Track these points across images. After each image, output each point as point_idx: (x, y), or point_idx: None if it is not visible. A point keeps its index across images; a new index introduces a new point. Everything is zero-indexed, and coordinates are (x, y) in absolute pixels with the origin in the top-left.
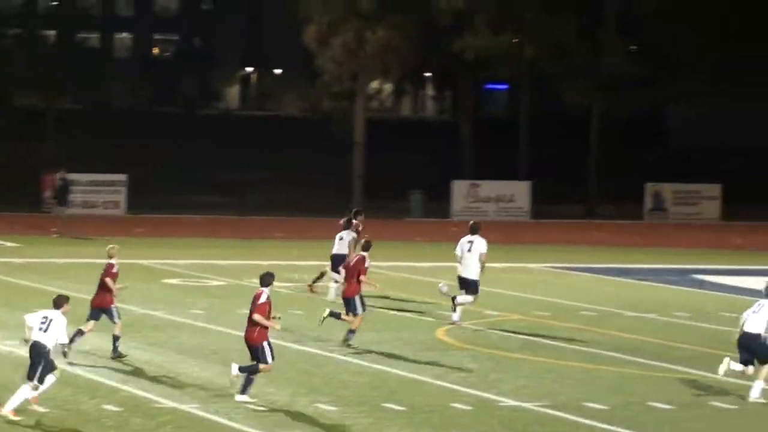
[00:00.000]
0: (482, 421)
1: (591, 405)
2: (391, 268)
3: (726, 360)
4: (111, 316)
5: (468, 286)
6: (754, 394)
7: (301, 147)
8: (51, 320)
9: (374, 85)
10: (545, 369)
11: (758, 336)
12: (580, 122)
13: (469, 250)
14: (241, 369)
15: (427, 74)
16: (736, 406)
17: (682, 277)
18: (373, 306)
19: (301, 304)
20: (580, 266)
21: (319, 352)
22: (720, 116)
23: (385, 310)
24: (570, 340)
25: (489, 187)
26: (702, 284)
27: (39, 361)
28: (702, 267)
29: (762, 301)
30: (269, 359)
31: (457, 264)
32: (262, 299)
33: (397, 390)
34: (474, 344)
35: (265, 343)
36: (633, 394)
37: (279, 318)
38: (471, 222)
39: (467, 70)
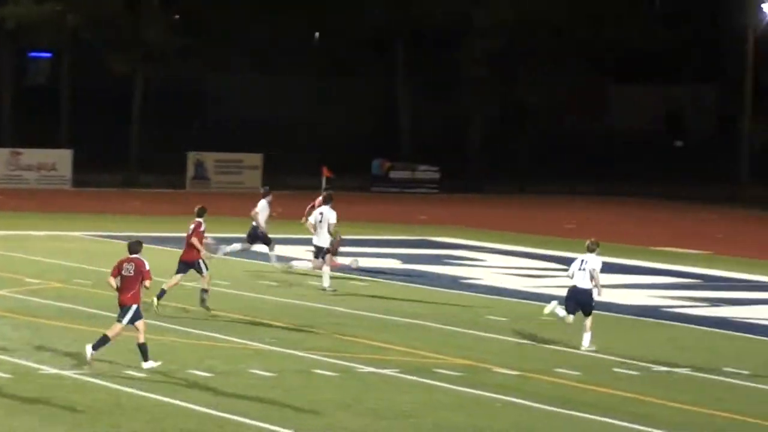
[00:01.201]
0: (22, 389)
1: (131, 372)
2: None
3: (554, 303)
4: None
5: (320, 252)
6: (585, 343)
7: None
8: None
9: None
10: (84, 336)
11: (588, 291)
12: (124, 91)
13: (320, 221)
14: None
15: None
16: (274, 374)
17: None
18: None
19: None
20: (119, 234)
21: None
22: (261, 87)
23: None
24: (110, 308)
25: (30, 155)
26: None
27: None
28: (243, 236)
29: (585, 257)
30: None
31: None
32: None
33: None
34: (13, 312)
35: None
36: (173, 361)
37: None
38: (325, 193)
39: (8, 37)
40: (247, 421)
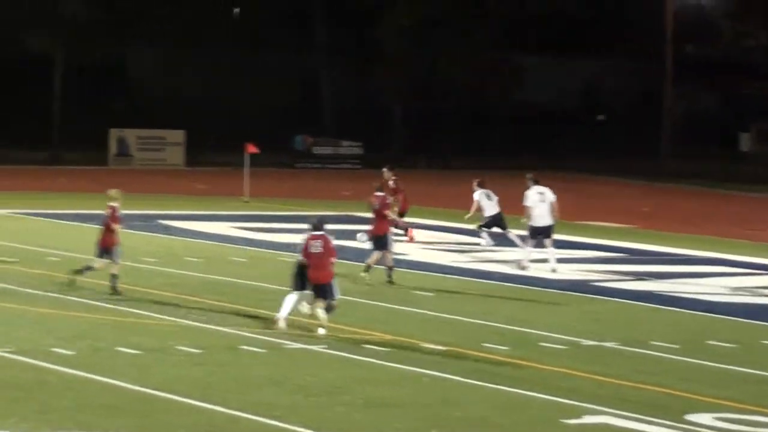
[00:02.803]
0: None
1: (58, 350)
2: None
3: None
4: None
5: (545, 231)
6: None
7: None
8: None
9: None
10: (14, 315)
11: None
12: (45, 68)
13: (542, 201)
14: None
15: None
16: (202, 351)
17: (148, 222)
18: None
19: None
20: (45, 212)
21: None
22: (181, 64)
23: None
24: (36, 286)
25: None
26: (168, 229)
27: None
28: (167, 212)
29: None
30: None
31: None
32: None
33: None
34: None
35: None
36: (100, 339)
37: None
38: (529, 174)
39: None
40: (176, 397)
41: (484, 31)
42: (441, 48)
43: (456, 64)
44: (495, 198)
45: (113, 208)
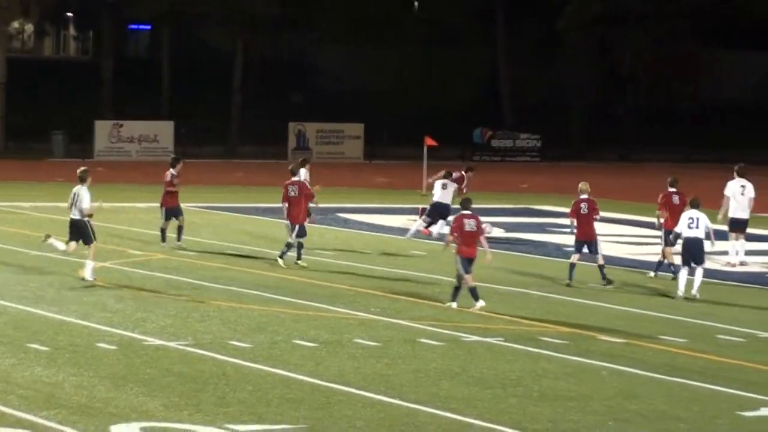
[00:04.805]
0: (127, 360)
1: (235, 343)
2: (34, 209)
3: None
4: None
5: (742, 225)
6: None
7: None
8: None
9: (15, 25)
10: (190, 308)
11: None
12: (223, 62)
13: (742, 194)
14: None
15: (69, 14)
16: (379, 344)
17: (327, 216)
18: (13, 247)
19: None
20: (222, 206)
21: None
22: (360, 58)
23: (27, 251)
24: (214, 279)
25: (132, 127)
26: (347, 222)
27: None
28: (346, 206)
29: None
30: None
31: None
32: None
33: (41, 330)
34: (118, 284)
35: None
36: (277, 332)
37: None
38: (737, 166)
39: (108, 9)
40: (353, 390)
41: (668, 25)
42: (622, 41)
43: (638, 57)
44: (448, 189)
45: (589, 201)
